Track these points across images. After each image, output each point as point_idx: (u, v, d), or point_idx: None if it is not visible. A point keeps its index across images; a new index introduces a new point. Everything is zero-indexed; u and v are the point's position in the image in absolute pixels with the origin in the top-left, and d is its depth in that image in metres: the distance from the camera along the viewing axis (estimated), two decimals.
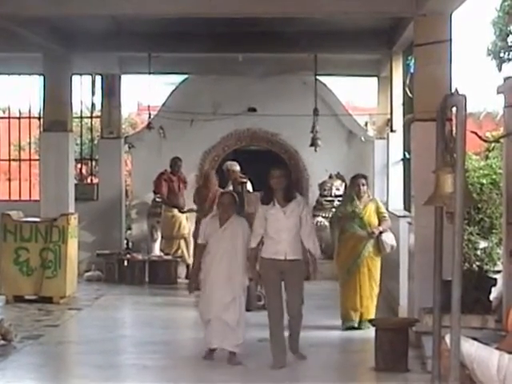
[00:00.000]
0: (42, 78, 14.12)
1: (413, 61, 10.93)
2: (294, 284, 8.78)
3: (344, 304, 10.74)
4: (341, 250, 10.81)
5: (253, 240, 8.78)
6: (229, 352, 8.79)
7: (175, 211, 15.04)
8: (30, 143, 17.79)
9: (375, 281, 10.83)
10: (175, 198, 15.14)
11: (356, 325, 10.65)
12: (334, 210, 12.64)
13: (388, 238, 10.79)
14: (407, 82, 12.97)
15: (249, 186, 13.58)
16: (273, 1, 10.05)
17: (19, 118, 17.55)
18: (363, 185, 10.84)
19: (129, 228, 17.15)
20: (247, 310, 9.56)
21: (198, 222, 12.15)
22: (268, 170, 8.82)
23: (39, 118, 16.29)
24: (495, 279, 8.82)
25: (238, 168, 14.02)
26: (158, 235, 15.45)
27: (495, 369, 6.24)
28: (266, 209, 8.73)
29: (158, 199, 15.48)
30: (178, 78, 17.64)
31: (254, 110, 16.22)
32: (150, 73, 15.14)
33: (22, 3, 10.16)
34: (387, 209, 13.78)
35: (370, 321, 9.30)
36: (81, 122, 17.47)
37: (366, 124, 18.25)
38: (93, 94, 16.71)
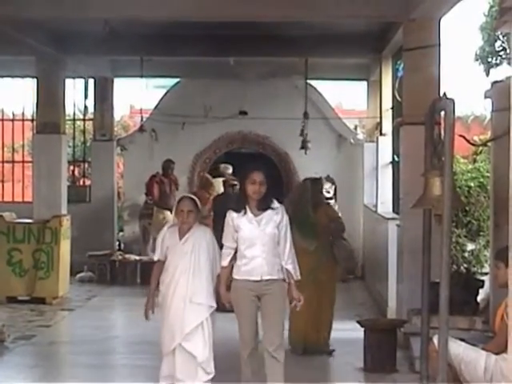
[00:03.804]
0: (35, 80, 14.10)
1: (402, 65, 10.96)
2: (273, 311, 7.07)
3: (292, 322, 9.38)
4: None
5: (223, 257, 7.18)
6: None
7: (166, 213, 15.00)
8: (23, 145, 17.76)
9: (329, 300, 9.52)
10: (167, 199, 15.12)
11: (300, 351, 9.30)
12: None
13: (340, 250, 9.50)
14: (396, 85, 13.00)
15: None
16: (264, 5, 10.04)
17: (13, 120, 17.54)
18: (328, 192, 9.50)
19: (121, 229, 17.13)
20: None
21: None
22: (246, 167, 7.30)
23: (32, 121, 16.26)
24: (482, 281, 8.84)
25: (230, 171, 14.09)
26: (150, 237, 15.43)
27: (482, 369, 6.27)
28: (236, 217, 7.06)
29: (149, 201, 15.46)
30: (168, 82, 17.65)
31: (245, 113, 16.21)
32: (142, 76, 15.13)
33: (16, 6, 10.13)
34: (376, 211, 13.83)
35: (358, 322, 9.26)
36: (74, 124, 17.43)
37: (356, 127, 18.28)
38: (86, 96, 16.70)
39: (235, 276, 7.11)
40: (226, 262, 7.17)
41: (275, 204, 7.14)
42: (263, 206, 7.07)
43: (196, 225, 7.35)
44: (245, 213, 7.06)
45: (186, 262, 7.21)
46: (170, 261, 7.31)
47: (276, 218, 7.07)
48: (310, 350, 9.35)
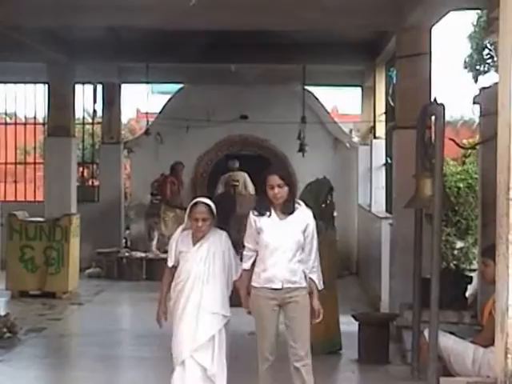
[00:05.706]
0: (46, 86, 14.11)
1: (395, 72, 10.97)
2: (297, 322, 6.27)
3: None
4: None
5: (245, 259, 6.47)
6: None
7: (176, 211, 14.97)
8: (35, 147, 17.75)
9: (332, 297, 8.89)
10: (177, 198, 15.17)
11: None
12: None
13: None
14: (390, 91, 13.00)
15: (250, 188, 13.63)
16: (261, 15, 10.03)
17: (25, 124, 17.58)
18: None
19: (127, 228, 17.13)
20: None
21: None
22: (264, 172, 6.42)
23: (44, 124, 16.28)
24: (471, 277, 8.84)
25: (236, 165, 14.32)
26: (155, 234, 15.42)
27: (470, 361, 6.28)
28: (259, 219, 6.31)
29: (155, 201, 15.47)
30: (172, 87, 17.66)
31: (245, 117, 16.21)
32: (147, 82, 15.14)
33: (24, 13, 10.11)
34: (370, 210, 13.85)
35: (353, 316, 9.24)
36: (83, 127, 17.45)
37: (351, 131, 18.27)
38: (94, 101, 16.72)
39: (255, 284, 6.35)
40: (247, 265, 6.45)
41: (302, 208, 6.40)
42: (288, 209, 6.30)
43: (211, 229, 6.54)
44: (269, 215, 6.31)
45: (200, 269, 6.46)
46: (182, 267, 6.57)
47: (302, 223, 6.31)
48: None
